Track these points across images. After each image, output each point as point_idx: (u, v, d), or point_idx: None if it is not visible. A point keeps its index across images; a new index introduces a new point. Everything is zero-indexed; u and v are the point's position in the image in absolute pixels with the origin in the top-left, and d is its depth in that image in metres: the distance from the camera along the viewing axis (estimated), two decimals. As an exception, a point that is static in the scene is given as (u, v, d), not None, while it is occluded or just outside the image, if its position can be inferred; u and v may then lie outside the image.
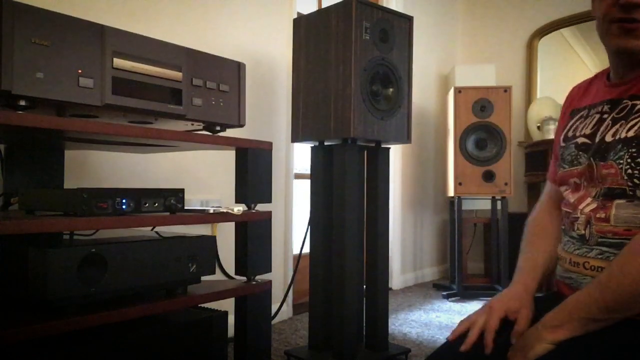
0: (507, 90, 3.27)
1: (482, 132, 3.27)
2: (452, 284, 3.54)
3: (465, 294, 3.32)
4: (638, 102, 0.95)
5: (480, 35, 4.31)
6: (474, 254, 3.98)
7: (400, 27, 1.98)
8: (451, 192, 3.33)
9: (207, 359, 1.41)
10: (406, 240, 3.76)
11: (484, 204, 3.54)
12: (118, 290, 1.19)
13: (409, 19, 2.02)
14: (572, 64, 3.91)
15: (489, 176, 3.25)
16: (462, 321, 1.02)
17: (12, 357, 1.05)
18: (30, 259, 1.09)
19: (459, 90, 3.29)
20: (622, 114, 0.97)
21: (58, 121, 1.12)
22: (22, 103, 1.10)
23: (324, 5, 2.87)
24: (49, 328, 1.05)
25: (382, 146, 2.08)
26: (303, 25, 2.02)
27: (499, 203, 3.36)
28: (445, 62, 4.15)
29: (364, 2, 1.85)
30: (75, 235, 1.35)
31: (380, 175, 2.09)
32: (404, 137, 2.01)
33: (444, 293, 3.36)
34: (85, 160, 1.89)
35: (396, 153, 3.59)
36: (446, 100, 3.58)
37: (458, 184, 3.26)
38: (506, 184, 3.23)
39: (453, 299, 3.29)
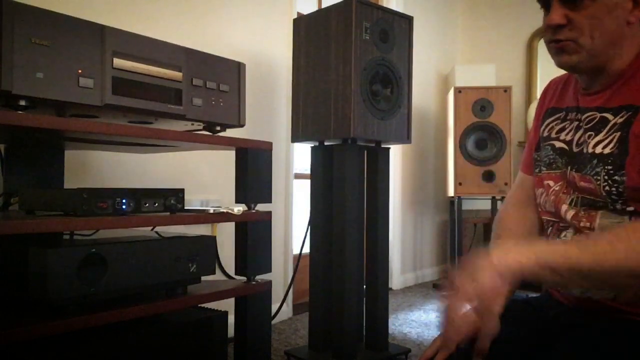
0: (507, 90, 3.27)
1: (482, 132, 3.28)
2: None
3: (465, 294, 3.31)
4: (607, 114, 0.96)
5: (480, 35, 4.31)
6: (474, 254, 3.97)
7: (400, 27, 1.98)
8: (451, 192, 3.33)
9: (207, 359, 1.41)
10: (406, 240, 3.76)
11: (484, 204, 3.54)
12: (118, 290, 1.19)
13: (409, 19, 2.02)
14: (572, 64, 3.91)
15: (489, 176, 3.25)
16: (431, 343, 1.01)
17: (12, 357, 1.05)
18: (30, 259, 1.09)
19: (459, 90, 3.29)
20: (590, 125, 0.98)
21: (58, 121, 1.12)
22: (22, 103, 1.10)
23: (324, 5, 2.87)
24: (49, 328, 1.05)
25: (382, 146, 2.08)
26: (303, 25, 2.02)
27: (499, 203, 3.36)
28: (445, 62, 4.15)
29: (364, 2, 1.85)
30: (75, 235, 1.35)
31: (380, 175, 2.09)
32: (404, 137, 2.01)
33: (444, 293, 3.35)
34: (85, 160, 1.89)
35: (396, 153, 3.59)
36: (446, 100, 3.58)
37: (458, 184, 3.26)
38: (506, 184, 3.23)
39: (453, 299, 3.29)
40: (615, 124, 0.94)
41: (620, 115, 0.94)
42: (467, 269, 0.84)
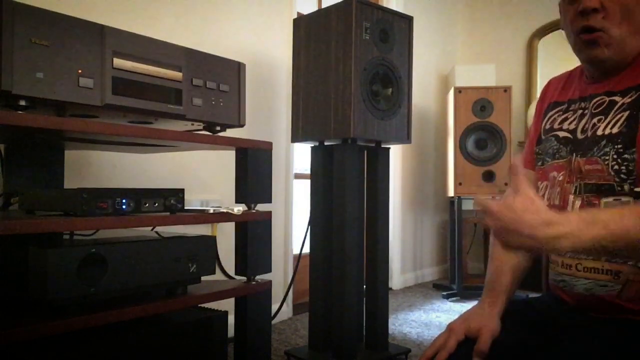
0: (507, 90, 3.27)
1: (482, 132, 3.28)
2: (452, 284, 3.53)
3: (465, 294, 3.32)
4: (615, 97, 0.97)
5: (480, 35, 4.31)
6: (474, 254, 3.98)
7: (400, 27, 1.98)
8: (451, 192, 3.33)
9: (207, 359, 1.41)
10: (406, 240, 3.76)
11: (484, 204, 3.54)
12: (118, 290, 1.19)
13: (409, 19, 2.02)
14: (572, 64, 3.89)
15: (489, 176, 3.25)
16: (431, 343, 1.01)
17: (12, 357, 1.05)
18: (30, 259, 1.09)
19: (459, 90, 3.29)
20: (599, 109, 0.99)
21: (58, 121, 1.12)
22: (22, 103, 1.10)
23: (324, 5, 2.87)
24: (49, 328, 1.05)
25: (382, 146, 2.08)
26: (303, 25, 2.02)
27: (499, 203, 3.36)
28: (445, 62, 4.15)
29: (364, 2, 1.85)
30: (75, 235, 1.35)
31: (380, 175, 2.09)
32: (404, 137, 2.01)
33: (444, 293, 3.36)
34: (85, 160, 1.89)
35: (396, 153, 3.59)
36: (446, 100, 3.58)
37: (458, 184, 3.26)
38: (506, 184, 3.23)
39: (453, 299, 3.29)
40: (623, 104, 0.95)
41: (629, 95, 0.95)
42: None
